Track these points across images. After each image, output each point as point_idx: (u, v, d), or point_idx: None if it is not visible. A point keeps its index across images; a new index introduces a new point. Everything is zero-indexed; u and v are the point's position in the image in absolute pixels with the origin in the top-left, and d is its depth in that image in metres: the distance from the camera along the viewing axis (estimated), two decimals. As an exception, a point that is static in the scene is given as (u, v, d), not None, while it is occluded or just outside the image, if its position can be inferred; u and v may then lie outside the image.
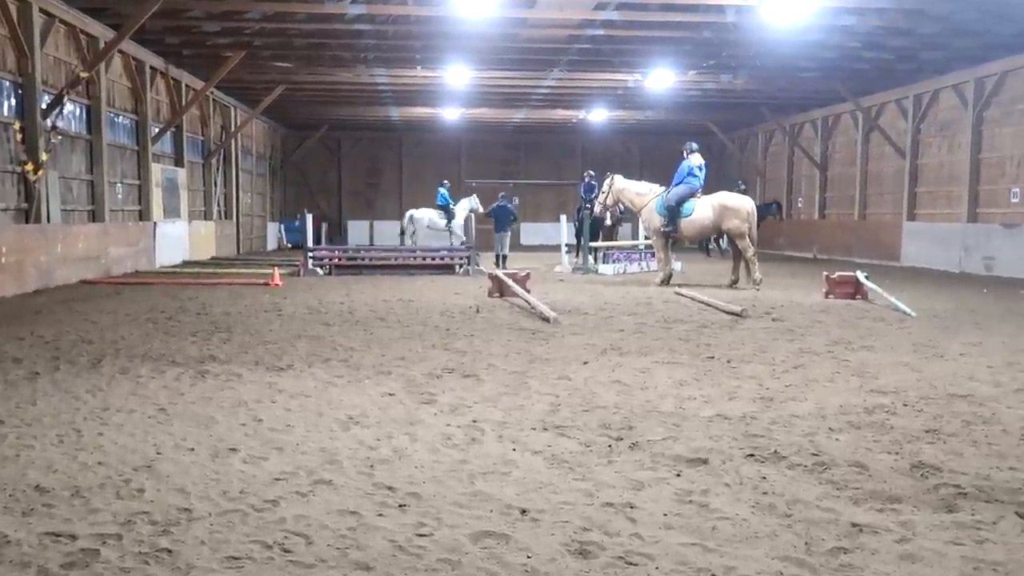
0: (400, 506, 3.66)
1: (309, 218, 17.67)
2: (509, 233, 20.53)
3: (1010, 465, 4.24)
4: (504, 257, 19.64)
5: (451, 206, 24.96)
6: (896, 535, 3.36)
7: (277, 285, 14.07)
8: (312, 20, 16.03)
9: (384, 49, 18.35)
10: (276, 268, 15.21)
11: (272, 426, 4.97)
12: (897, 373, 6.65)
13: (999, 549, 3.22)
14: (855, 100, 22.19)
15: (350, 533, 3.36)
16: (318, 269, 16.84)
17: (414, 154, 34.52)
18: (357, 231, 33.74)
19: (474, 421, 5.11)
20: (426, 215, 25.38)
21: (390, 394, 5.85)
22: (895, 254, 21.38)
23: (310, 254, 17.00)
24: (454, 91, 23.26)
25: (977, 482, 3.96)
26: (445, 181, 26.09)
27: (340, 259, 17.69)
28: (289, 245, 30.05)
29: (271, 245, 30.18)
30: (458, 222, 24.71)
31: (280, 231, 31.18)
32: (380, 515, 3.56)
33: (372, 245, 29.45)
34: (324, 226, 28.71)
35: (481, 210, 23.14)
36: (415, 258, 17.94)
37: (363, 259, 17.82)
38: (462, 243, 19.41)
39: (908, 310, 10.53)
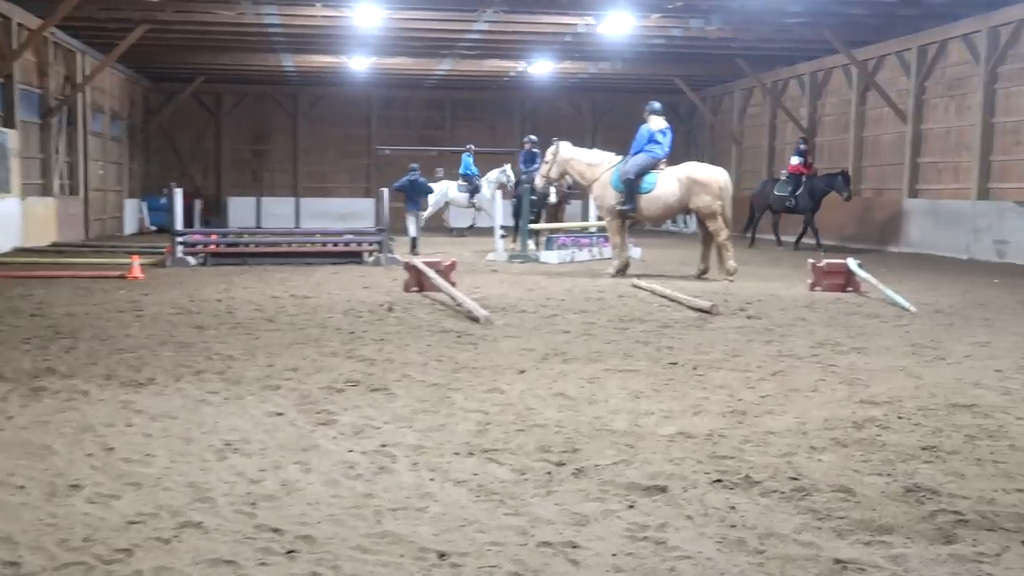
0: (288, 552, 3.64)
1: (178, 194, 17.36)
2: (423, 212, 21.45)
3: (1017, 487, 4.44)
4: (415, 241, 20.17)
5: (475, 177, 25.26)
6: (886, 572, 3.49)
7: (136, 278, 13.86)
8: (180, -56, 15.73)
9: (273, -18, 18.11)
10: (136, 257, 14.92)
11: (126, 456, 4.89)
12: (892, 380, 6.89)
13: (1002, 586, 3.38)
14: (849, 52, 22.77)
15: (224, 587, 3.33)
16: (190, 258, 16.62)
17: (313, 115, 34.17)
18: (240, 210, 33.22)
19: (383, 445, 5.12)
20: (444, 188, 25.80)
21: (278, 413, 5.82)
22: (894, 237, 22.09)
23: (179, 239, 16.74)
24: (363, 35, 23.07)
25: (980, 507, 4.14)
26: (470, 145, 26.59)
27: (218, 245, 17.46)
28: (153, 228, 29.55)
29: (130, 228, 29.56)
30: (485, 195, 25.03)
31: (142, 210, 30.59)
32: (262, 564, 3.53)
33: (259, 228, 29.12)
34: (198, 204, 28.23)
35: (514, 182, 23.45)
36: (313, 244, 17.80)
37: (247, 245, 17.61)
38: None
39: (907, 305, 10.90)
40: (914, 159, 21.96)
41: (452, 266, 12.97)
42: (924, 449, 5.07)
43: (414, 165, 21.57)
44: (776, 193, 22.06)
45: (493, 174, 25.33)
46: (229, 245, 17.66)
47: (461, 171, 26.27)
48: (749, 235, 23.23)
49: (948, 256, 19.64)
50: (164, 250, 17.10)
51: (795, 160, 22.12)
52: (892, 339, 8.81)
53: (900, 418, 5.75)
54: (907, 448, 5.09)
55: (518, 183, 20.42)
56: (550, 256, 18.04)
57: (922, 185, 21.89)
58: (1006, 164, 19.23)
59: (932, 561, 3.58)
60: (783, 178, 22.38)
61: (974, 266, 17.51)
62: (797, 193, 21.56)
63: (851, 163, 24.50)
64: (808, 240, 21.77)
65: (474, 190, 25.75)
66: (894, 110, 22.40)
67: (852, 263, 12.90)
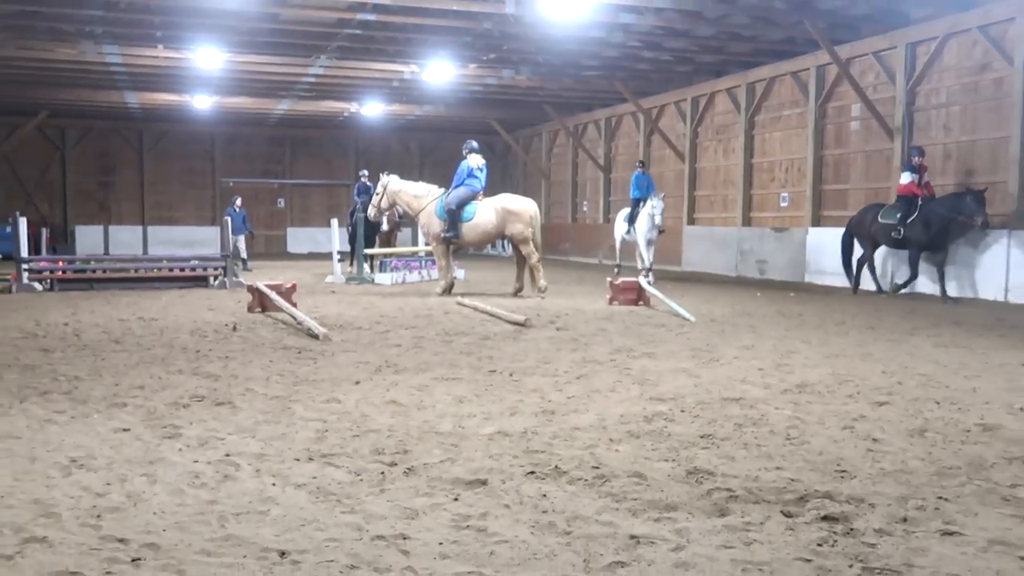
0: (134, 560, 3.44)
1: (23, 222, 16.16)
2: (237, 236, 22.09)
3: (776, 465, 4.74)
4: (244, 261, 21.01)
5: (642, 202, 18.78)
6: (672, 544, 3.64)
7: (-20, 304, 12.83)
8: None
9: (115, 23, 17.15)
10: (-21, 284, 13.79)
11: (-31, 477, 4.48)
12: (676, 379, 7.21)
13: (765, 549, 3.59)
14: (636, 101, 23.81)
15: (69, 598, 3.11)
16: (36, 284, 15.52)
17: (157, 149, 32.55)
18: (88, 238, 31.19)
19: (227, 455, 4.92)
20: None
21: (124, 429, 5.49)
22: (677, 259, 23.18)
23: (25, 266, 15.61)
24: (205, 76, 22.22)
25: (747, 484, 4.38)
26: (641, 160, 21.23)
27: (65, 272, 16.38)
28: (-3, 255, 27.30)
29: (-27, 256, 27.19)
30: (640, 229, 18.38)
31: (-14, 239, 28.17)
32: (108, 573, 3.33)
33: (107, 255, 27.50)
34: (44, 232, 26.34)
35: (660, 223, 18.13)
36: (160, 269, 16.96)
37: (94, 271, 16.59)
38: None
39: (688, 315, 11.46)
40: (691, 192, 23.18)
41: (293, 288, 12.65)
42: (702, 437, 5.33)
43: (236, 195, 22.86)
44: (881, 221, 14.73)
45: (648, 207, 18.39)
46: (76, 271, 16.55)
47: (633, 194, 19.34)
48: (851, 280, 15.65)
49: (720, 274, 20.80)
50: (9, 277, 15.89)
51: (906, 178, 14.47)
52: (676, 345, 9.23)
53: (682, 411, 6.03)
54: (688, 437, 5.34)
55: (352, 212, 20.15)
56: (383, 278, 17.89)
57: (698, 214, 23.10)
58: (764, 197, 20.61)
59: (709, 532, 3.77)
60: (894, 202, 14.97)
61: (741, 282, 18.60)
62: (908, 221, 14.19)
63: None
64: (925, 289, 14.61)
65: (633, 219, 18.96)
66: (674, 151, 23.56)
67: (643, 281, 13.47)
